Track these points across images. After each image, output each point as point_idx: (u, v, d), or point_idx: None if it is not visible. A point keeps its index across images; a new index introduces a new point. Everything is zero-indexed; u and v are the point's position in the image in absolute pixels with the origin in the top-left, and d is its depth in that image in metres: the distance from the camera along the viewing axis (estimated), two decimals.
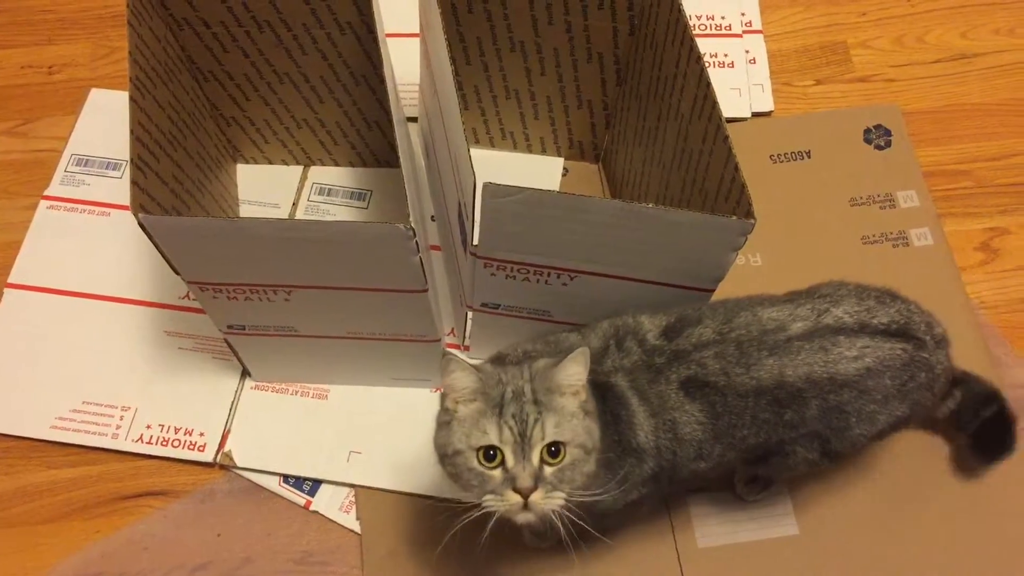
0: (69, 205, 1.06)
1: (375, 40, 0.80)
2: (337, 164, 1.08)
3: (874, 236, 1.02)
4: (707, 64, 1.11)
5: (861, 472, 0.91)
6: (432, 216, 1.06)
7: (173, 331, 0.98)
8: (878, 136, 1.08)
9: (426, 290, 0.77)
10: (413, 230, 0.68)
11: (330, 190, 1.08)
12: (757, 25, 1.19)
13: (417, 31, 1.01)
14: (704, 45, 1.14)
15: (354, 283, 0.76)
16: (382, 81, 0.79)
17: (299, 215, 1.06)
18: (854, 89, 1.15)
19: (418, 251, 0.71)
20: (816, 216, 1.04)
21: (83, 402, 0.95)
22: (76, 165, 1.08)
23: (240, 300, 0.79)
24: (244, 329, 0.85)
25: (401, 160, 0.76)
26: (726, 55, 1.17)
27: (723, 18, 1.19)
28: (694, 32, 1.14)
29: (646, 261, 0.76)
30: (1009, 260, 1.03)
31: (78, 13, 1.22)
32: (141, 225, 0.68)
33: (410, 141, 1.04)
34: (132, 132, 0.72)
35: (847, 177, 1.06)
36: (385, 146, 1.04)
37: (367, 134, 1.03)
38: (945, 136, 1.11)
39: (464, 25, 0.92)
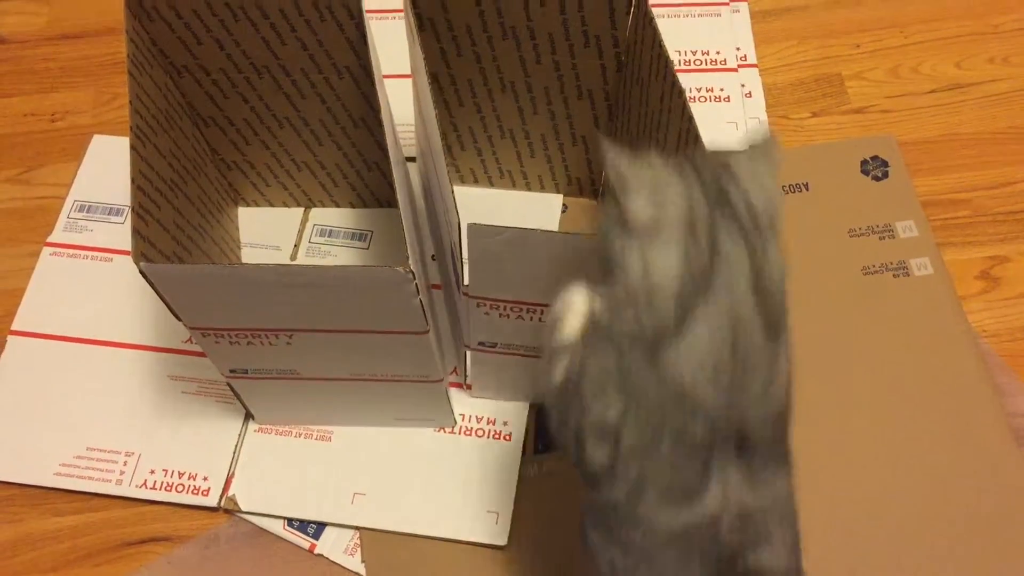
0: (72, 251, 1.06)
1: (373, 84, 0.81)
2: (338, 205, 1.09)
3: (874, 267, 1.02)
4: (703, 99, 1.14)
5: None
6: (433, 255, 1.06)
7: (177, 375, 0.99)
8: (875, 167, 1.09)
9: (427, 331, 0.77)
10: (413, 273, 0.69)
11: (331, 231, 1.08)
12: (752, 59, 1.20)
13: (405, 72, 1.03)
14: (699, 80, 1.16)
15: (355, 326, 0.77)
16: (380, 124, 0.80)
17: (301, 256, 1.06)
18: (850, 121, 1.16)
19: (418, 293, 0.71)
20: (816, 248, 1.04)
21: (87, 448, 0.95)
22: (79, 211, 1.09)
23: (242, 344, 0.79)
24: (246, 373, 0.85)
25: (400, 201, 0.76)
26: (722, 89, 1.17)
27: (718, 53, 1.20)
28: (690, 68, 1.18)
29: None
30: (1010, 288, 1.03)
31: (80, 61, 1.23)
32: (143, 274, 0.68)
33: (409, 181, 1.04)
34: (133, 181, 0.72)
35: (845, 208, 1.06)
36: (385, 187, 1.05)
37: (367, 175, 1.03)
38: (942, 166, 1.11)
39: (455, 68, 0.93)
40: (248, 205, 1.09)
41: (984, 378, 0.95)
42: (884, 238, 1.04)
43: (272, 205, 1.09)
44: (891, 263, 1.02)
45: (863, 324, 0.99)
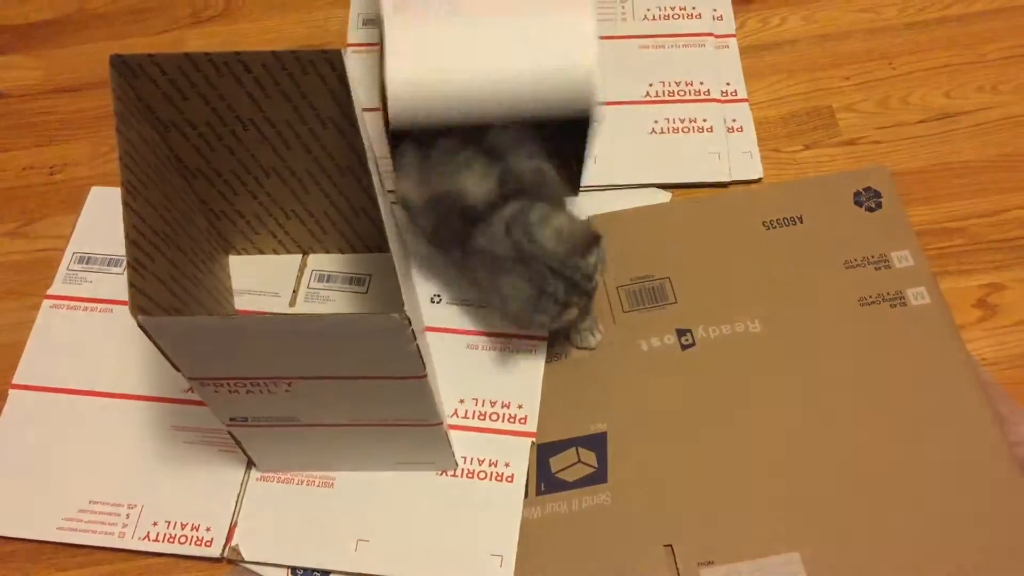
0: (72, 303, 1.07)
1: (357, 132, 0.82)
2: (327, 252, 1.10)
3: (871, 297, 1.03)
4: (686, 130, 1.16)
5: None
6: (433, 297, 1.06)
7: (179, 425, 0.99)
8: (868, 198, 1.09)
9: (425, 376, 0.78)
10: (408, 320, 0.69)
11: (329, 276, 1.09)
12: (742, 94, 1.21)
13: None
14: (683, 110, 1.19)
15: (353, 372, 0.77)
16: (367, 171, 0.81)
17: (300, 302, 1.07)
18: (842, 152, 1.16)
19: (414, 339, 0.72)
20: (812, 280, 1.04)
21: (90, 501, 0.95)
22: (78, 263, 1.09)
23: (241, 393, 0.79)
24: (247, 421, 0.85)
25: (391, 247, 0.77)
26: (704, 120, 1.19)
27: (701, 83, 1.22)
28: (673, 98, 1.20)
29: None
30: (1007, 316, 1.03)
31: (77, 114, 1.25)
32: (141, 327, 0.69)
33: (398, 226, 1.05)
34: (127, 236, 0.73)
35: (840, 240, 1.06)
36: (375, 233, 1.06)
37: (355, 222, 1.04)
38: (935, 195, 1.12)
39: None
40: (239, 253, 1.10)
41: (985, 407, 0.95)
42: (880, 268, 1.04)
43: (262, 252, 1.10)
44: (888, 293, 1.03)
45: (862, 355, 0.99)
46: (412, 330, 0.70)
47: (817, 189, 1.12)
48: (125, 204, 0.74)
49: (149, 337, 0.70)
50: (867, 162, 1.15)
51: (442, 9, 0.90)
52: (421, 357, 0.75)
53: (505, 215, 0.90)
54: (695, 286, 1.05)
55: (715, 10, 1.28)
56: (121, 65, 0.82)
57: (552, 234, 0.88)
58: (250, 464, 0.96)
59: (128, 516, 0.94)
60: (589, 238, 0.88)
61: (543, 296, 0.88)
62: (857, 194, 1.10)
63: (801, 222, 1.08)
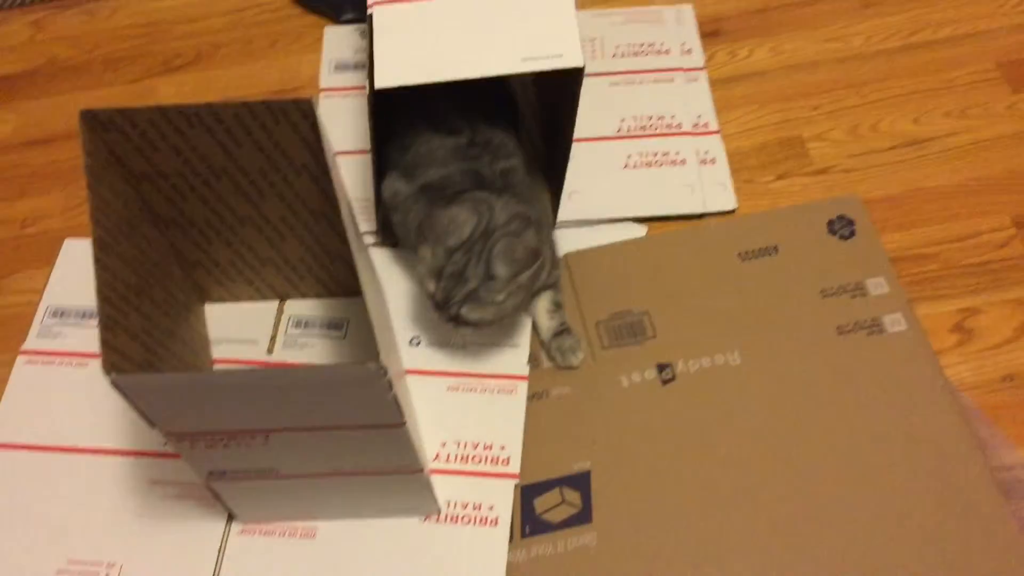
0: (47, 358, 1.06)
1: (330, 179, 0.82)
2: (304, 297, 1.09)
3: (848, 325, 1.03)
4: (658, 163, 1.17)
5: None
6: (412, 339, 1.06)
7: (157, 479, 0.97)
8: (842, 226, 1.10)
9: (403, 424, 0.77)
10: (384, 369, 0.69)
11: (307, 322, 1.08)
12: (714, 126, 1.22)
13: (367, 148, 1.11)
14: (655, 144, 1.20)
15: (331, 422, 0.76)
16: (340, 217, 0.81)
17: (278, 349, 1.06)
18: (815, 182, 1.17)
19: (391, 388, 0.71)
20: (789, 310, 1.05)
21: (68, 560, 0.93)
22: (52, 317, 1.08)
23: (219, 447, 0.78)
24: (225, 474, 0.84)
25: (364, 293, 0.77)
26: (677, 153, 1.19)
27: (672, 117, 1.23)
28: (645, 133, 1.21)
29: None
30: (984, 340, 1.04)
31: (48, 166, 1.24)
32: (114, 385, 0.68)
33: (373, 270, 1.05)
34: (99, 292, 0.73)
35: (816, 269, 1.07)
36: (351, 277, 1.05)
37: (332, 267, 1.04)
38: (908, 221, 1.13)
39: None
40: (215, 302, 1.09)
41: (966, 433, 0.95)
42: (856, 296, 1.05)
43: (238, 300, 1.09)
44: (865, 321, 1.03)
45: (841, 384, 0.99)
46: (389, 379, 0.70)
47: (791, 219, 1.12)
48: (96, 260, 0.74)
49: (123, 395, 0.69)
50: (839, 190, 1.16)
51: None
52: (399, 405, 0.74)
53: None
54: (674, 320, 1.05)
55: (683, 44, 1.30)
56: (91, 120, 0.82)
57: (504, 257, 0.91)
58: (230, 517, 0.95)
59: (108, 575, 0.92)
60: (529, 255, 0.90)
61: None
62: (831, 223, 1.10)
63: (777, 252, 1.09)
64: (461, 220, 0.92)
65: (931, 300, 1.07)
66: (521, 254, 0.90)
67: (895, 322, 1.03)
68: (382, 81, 0.88)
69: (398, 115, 0.98)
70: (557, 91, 1.03)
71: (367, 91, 0.89)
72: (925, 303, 1.06)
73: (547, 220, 1.00)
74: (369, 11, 0.92)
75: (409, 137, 1.02)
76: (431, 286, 0.93)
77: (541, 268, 0.93)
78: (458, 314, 0.93)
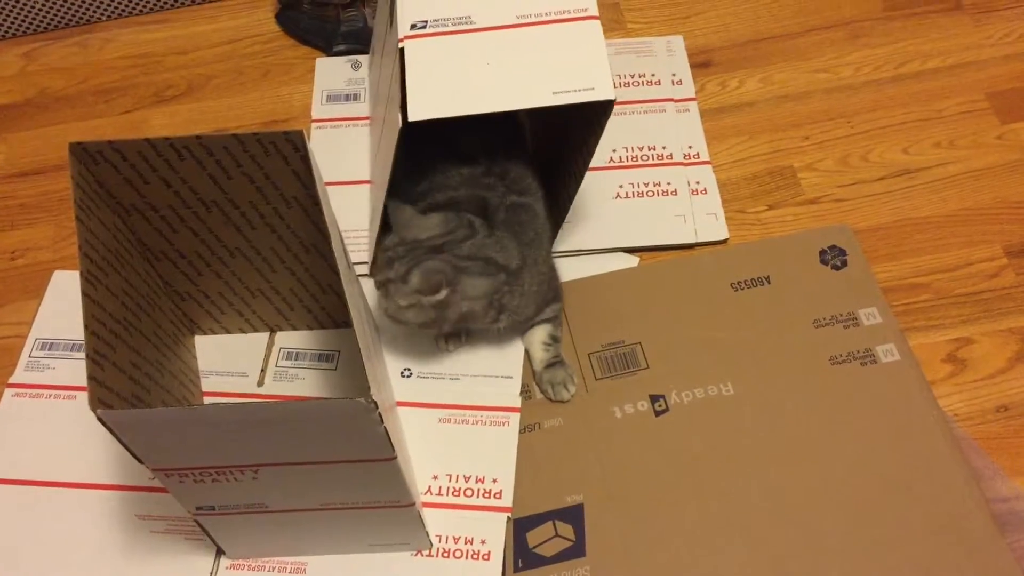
0: (35, 391, 1.05)
1: (321, 211, 0.82)
2: (295, 328, 1.09)
3: (841, 356, 1.03)
4: (650, 193, 1.18)
5: None
6: (403, 371, 1.05)
7: (144, 514, 0.96)
8: (833, 256, 1.10)
9: (394, 458, 0.76)
10: (375, 403, 0.68)
11: (297, 354, 1.08)
12: (705, 156, 1.22)
13: (360, 179, 1.16)
14: (647, 175, 1.20)
15: (321, 457, 0.76)
16: (331, 249, 0.80)
17: (268, 381, 1.05)
18: (806, 212, 1.17)
19: (381, 422, 0.71)
20: (782, 340, 1.04)
21: None
22: (40, 349, 1.08)
23: (207, 482, 0.77)
24: (214, 509, 0.83)
25: (355, 326, 0.76)
26: (668, 183, 1.20)
27: (664, 148, 1.23)
28: (637, 163, 1.22)
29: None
30: (977, 370, 1.04)
31: (39, 197, 1.24)
32: (101, 420, 0.67)
33: (365, 301, 1.04)
34: (87, 327, 0.72)
35: (808, 299, 1.07)
36: (342, 308, 1.04)
37: (322, 298, 1.03)
38: (899, 251, 1.13)
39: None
40: (204, 334, 1.08)
41: (960, 463, 0.95)
42: (848, 327, 1.05)
43: (228, 331, 1.08)
44: (858, 351, 1.03)
45: (834, 414, 0.99)
46: (379, 413, 0.69)
47: (783, 249, 1.12)
48: (85, 294, 0.73)
49: (110, 430, 0.69)
50: (831, 220, 1.16)
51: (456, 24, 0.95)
52: (390, 439, 0.73)
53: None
54: (666, 351, 1.05)
55: (674, 75, 1.30)
56: (81, 152, 0.82)
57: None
58: (219, 552, 0.94)
59: None
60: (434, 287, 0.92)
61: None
62: (823, 253, 1.10)
63: (769, 282, 1.09)
64: (426, 225, 0.94)
65: (924, 330, 1.07)
66: (432, 282, 0.91)
67: (888, 352, 1.02)
68: (415, 114, 0.88)
69: (414, 145, 0.98)
70: (563, 124, 1.03)
71: (398, 122, 0.89)
72: (918, 333, 1.06)
73: (537, 269, 0.99)
74: (400, 45, 0.93)
75: (425, 166, 1.03)
76: (374, 254, 0.98)
77: (447, 307, 0.94)
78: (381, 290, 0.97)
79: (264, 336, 1.09)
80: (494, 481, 0.97)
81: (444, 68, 0.92)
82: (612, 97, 0.89)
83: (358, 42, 1.34)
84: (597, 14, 0.93)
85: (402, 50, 0.93)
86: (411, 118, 0.88)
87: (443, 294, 0.91)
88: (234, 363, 1.07)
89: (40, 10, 1.37)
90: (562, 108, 0.90)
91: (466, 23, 0.93)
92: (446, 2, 0.95)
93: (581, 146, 1.00)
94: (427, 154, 1.02)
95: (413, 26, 0.94)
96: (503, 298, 0.96)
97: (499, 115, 0.90)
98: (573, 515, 0.95)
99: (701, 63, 1.32)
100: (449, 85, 0.91)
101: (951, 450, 0.95)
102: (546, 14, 0.94)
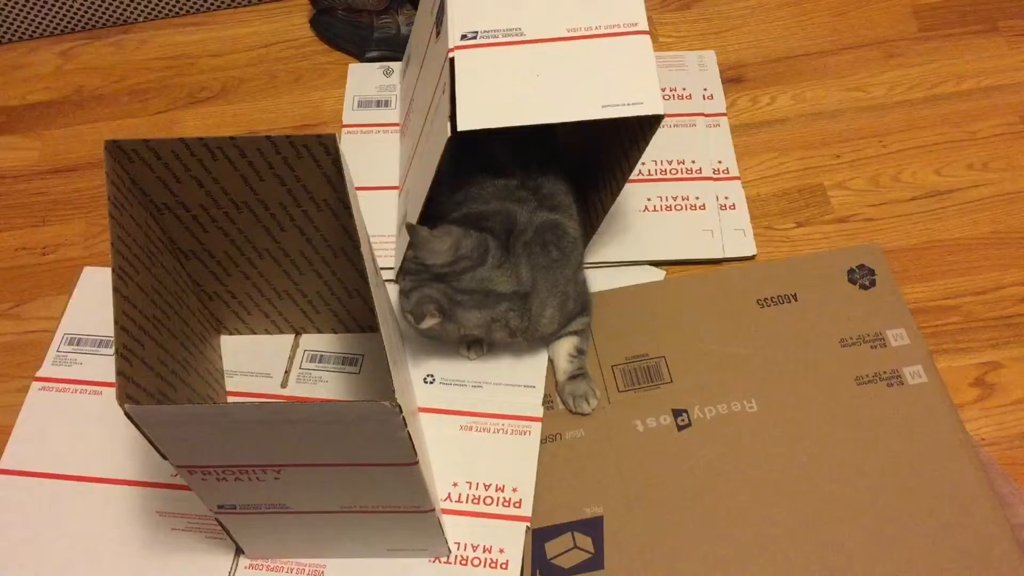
0: (61, 385, 1.06)
1: (350, 215, 0.82)
2: (320, 332, 1.09)
3: (867, 376, 1.02)
4: (679, 207, 1.18)
5: None
6: (426, 377, 1.05)
7: (165, 511, 0.97)
8: (862, 276, 1.09)
9: (416, 463, 0.76)
10: (399, 407, 0.68)
11: (322, 357, 1.08)
12: (734, 172, 1.22)
13: (388, 184, 1.17)
14: (675, 188, 1.20)
15: (343, 459, 0.76)
16: (360, 253, 0.81)
17: (292, 383, 1.06)
18: (835, 230, 1.17)
19: (405, 426, 0.71)
20: (808, 358, 1.04)
21: None
22: (68, 344, 1.09)
23: (230, 481, 0.78)
24: (235, 508, 0.83)
25: (381, 329, 0.76)
26: (697, 198, 1.19)
27: (693, 162, 1.23)
28: (665, 176, 1.22)
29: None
30: (1006, 395, 1.02)
31: (71, 194, 1.25)
32: (128, 415, 0.68)
33: (390, 306, 1.05)
34: (117, 322, 0.72)
35: (835, 318, 1.06)
36: (367, 312, 1.05)
37: (348, 302, 1.04)
38: (929, 272, 1.12)
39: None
40: (230, 334, 1.09)
41: (985, 489, 0.93)
42: (876, 347, 1.04)
43: (254, 332, 1.09)
44: (884, 372, 1.02)
45: (860, 435, 0.98)
46: (403, 417, 0.69)
47: (811, 267, 1.12)
48: (116, 290, 0.74)
49: (136, 426, 0.69)
50: (860, 239, 1.15)
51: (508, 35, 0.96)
52: (412, 444, 0.73)
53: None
54: (690, 365, 1.04)
55: (705, 89, 1.30)
56: (116, 150, 0.82)
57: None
58: (239, 551, 0.94)
59: None
60: (419, 318, 0.96)
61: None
62: (851, 272, 1.10)
63: (795, 300, 1.08)
64: (437, 249, 0.95)
65: (952, 353, 1.06)
66: (421, 311, 0.94)
67: (915, 374, 1.01)
68: (465, 124, 0.89)
69: (453, 156, 0.99)
70: (603, 135, 1.03)
71: (445, 131, 0.90)
72: (946, 356, 1.05)
73: (557, 289, 1.00)
74: (450, 54, 0.94)
75: (463, 177, 1.04)
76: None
77: (442, 331, 0.97)
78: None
79: (289, 338, 1.09)
80: (514, 490, 0.97)
81: (494, 79, 0.93)
82: (661, 112, 0.89)
83: (391, 49, 1.35)
84: (647, 29, 0.94)
85: (452, 60, 0.93)
86: (460, 128, 0.89)
87: (430, 323, 0.94)
88: (259, 364, 1.07)
89: (78, 9, 1.38)
90: (605, 120, 0.90)
91: (516, 35, 0.94)
92: (497, 13, 0.96)
93: (621, 159, 1.00)
94: (465, 165, 1.02)
95: (464, 36, 0.95)
96: (509, 322, 0.96)
97: (537, 128, 0.90)
98: (592, 527, 0.95)
99: (733, 78, 1.32)
100: (498, 96, 0.92)
101: (977, 475, 0.94)
102: (596, 28, 0.94)
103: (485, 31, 0.95)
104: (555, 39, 0.94)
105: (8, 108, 1.34)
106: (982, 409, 1.02)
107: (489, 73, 0.93)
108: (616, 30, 0.94)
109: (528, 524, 0.95)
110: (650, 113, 0.90)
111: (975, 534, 0.91)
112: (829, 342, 1.05)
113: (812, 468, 0.97)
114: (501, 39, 0.94)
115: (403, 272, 0.98)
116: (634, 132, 0.96)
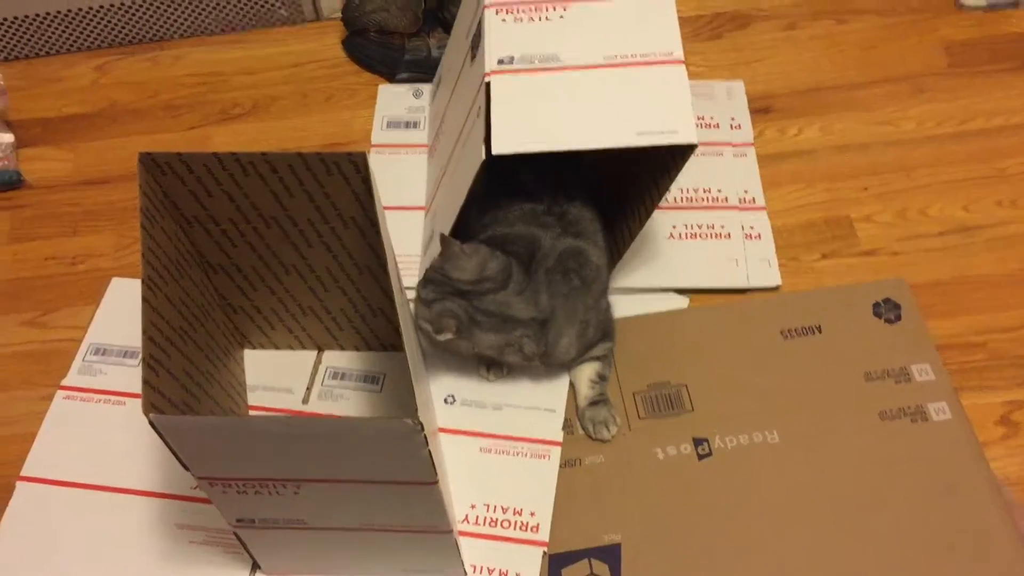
0: (85, 395, 1.06)
1: (378, 233, 0.83)
2: (342, 349, 1.10)
3: (891, 411, 1.01)
4: (704, 236, 1.17)
5: None
6: (446, 398, 1.06)
7: (184, 524, 0.97)
8: (887, 310, 1.08)
9: (436, 482, 0.76)
10: (421, 425, 0.68)
11: (344, 374, 1.08)
12: (761, 202, 1.22)
13: (414, 205, 1.18)
14: (701, 217, 1.20)
15: (363, 476, 0.76)
16: (385, 271, 0.81)
17: (313, 400, 1.06)
18: (861, 263, 1.16)
19: (426, 445, 0.71)
20: (831, 392, 1.03)
21: None
22: (94, 354, 1.09)
23: (249, 494, 0.78)
24: (254, 523, 0.84)
25: (407, 347, 0.77)
26: (722, 226, 1.19)
27: (719, 191, 1.23)
28: (691, 205, 1.21)
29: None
30: None
31: (103, 205, 1.27)
32: (152, 425, 0.68)
33: (414, 325, 1.05)
34: (144, 332, 0.73)
35: (860, 352, 1.05)
36: (390, 331, 1.06)
37: (372, 320, 1.04)
38: (955, 308, 1.11)
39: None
40: (254, 348, 1.10)
41: (1010, 528, 0.92)
42: (900, 382, 1.03)
43: (277, 348, 1.10)
44: (908, 407, 1.01)
45: (882, 471, 0.97)
46: (424, 436, 0.70)
47: (836, 299, 1.11)
48: (144, 300, 0.75)
49: (160, 436, 0.70)
50: (886, 273, 1.15)
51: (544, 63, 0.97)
52: (433, 463, 0.73)
53: None
54: (712, 394, 1.04)
55: (733, 119, 1.30)
56: (150, 163, 0.84)
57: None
58: (255, 566, 0.94)
59: None
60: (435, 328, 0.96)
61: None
62: (876, 305, 1.09)
63: (820, 332, 1.08)
64: (465, 266, 0.95)
65: (977, 390, 1.05)
66: (441, 323, 0.94)
67: (940, 411, 1.01)
68: (500, 148, 0.90)
69: (484, 178, 0.99)
70: (632, 163, 1.04)
71: (480, 155, 0.91)
72: (971, 393, 1.04)
73: (576, 317, 1.00)
74: (486, 79, 0.95)
75: (491, 199, 1.05)
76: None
77: (456, 345, 0.97)
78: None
79: (312, 354, 1.10)
80: (532, 514, 0.97)
81: (529, 104, 0.94)
82: (695, 141, 0.90)
83: (421, 71, 1.36)
84: (683, 58, 0.95)
85: (488, 84, 0.94)
86: (495, 151, 0.90)
87: (446, 337, 0.94)
88: (280, 379, 1.08)
89: (115, 25, 1.41)
90: (637, 148, 0.90)
91: (553, 61, 0.95)
92: (534, 40, 0.97)
93: (651, 186, 1.01)
94: (494, 188, 1.03)
95: (500, 61, 0.96)
96: (523, 347, 0.96)
97: (566, 154, 0.91)
98: (610, 554, 0.94)
99: (761, 108, 1.32)
100: (534, 121, 0.93)
101: (1000, 514, 0.93)
102: (632, 56, 0.95)
103: (521, 56, 0.96)
104: (591, 66, 0.95)
105: (44, 120, 1.36)
106: (1007, 448, 1.01)
107: (525, 98, 0.94)
108: (652, 59, 0.95)
109: (545, 549, 0.95)
110: (684, 142, 0.90)
111: (996, 573, 0.90)
112: (853, 375, 1.04)
113: (834, 502, 0.96)
114: (537, 65, 0.95)
115: (426, 281, 0.97)
116: (665, 160, 0.96)
